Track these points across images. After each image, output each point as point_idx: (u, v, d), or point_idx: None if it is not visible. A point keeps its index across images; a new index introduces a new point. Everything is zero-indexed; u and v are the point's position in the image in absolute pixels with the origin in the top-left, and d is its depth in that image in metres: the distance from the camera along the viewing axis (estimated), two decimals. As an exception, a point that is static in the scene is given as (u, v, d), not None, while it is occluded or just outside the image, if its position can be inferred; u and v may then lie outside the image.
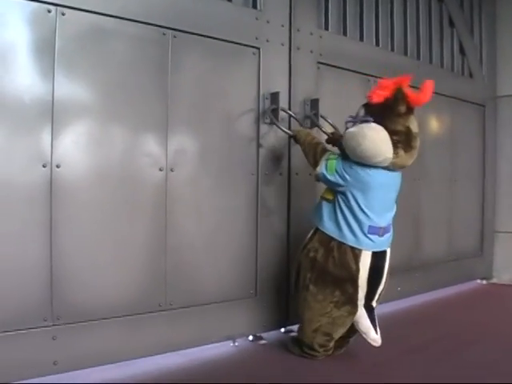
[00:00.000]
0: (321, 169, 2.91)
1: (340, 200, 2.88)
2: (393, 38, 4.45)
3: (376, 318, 3.01)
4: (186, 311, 3.03)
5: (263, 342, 3.38)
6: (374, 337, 2.96)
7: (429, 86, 2.84)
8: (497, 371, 2.96)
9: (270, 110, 3.31)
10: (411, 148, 2.81)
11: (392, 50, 4.44)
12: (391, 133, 2.74)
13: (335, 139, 3.18)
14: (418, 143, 2.86)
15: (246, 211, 3.29)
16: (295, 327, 3.53)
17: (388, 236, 2.98)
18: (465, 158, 5.26)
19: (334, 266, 2.88)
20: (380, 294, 3.03)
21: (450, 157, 5.05)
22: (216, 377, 2.79)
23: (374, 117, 2.78)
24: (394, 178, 2.95)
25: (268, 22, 3.41)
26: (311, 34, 3.68)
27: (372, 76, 4.08)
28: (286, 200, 3.49)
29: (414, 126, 2.83)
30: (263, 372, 2.89)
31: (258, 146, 3.31)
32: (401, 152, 2.77)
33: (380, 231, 2.90)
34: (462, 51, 5.31)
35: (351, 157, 2.83)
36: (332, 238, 2.91)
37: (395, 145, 2.74)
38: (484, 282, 5.61)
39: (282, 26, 3.51)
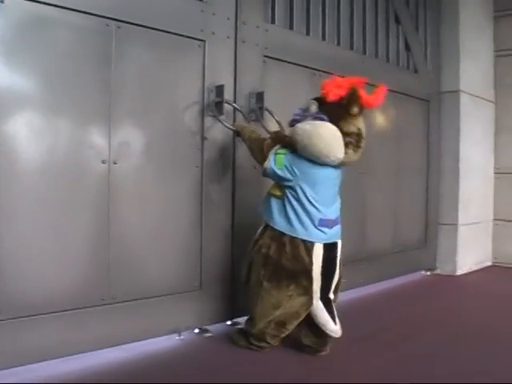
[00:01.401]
0: (269, 163, 2.91)
1: (289, 195, 2.90)
2: (339, 33, 4.49)
3: (334, 309, 3.04)
4: (130, 305, 2.99)
5: (209, 334, 3.38)
6: (333, 328, 2.98)
7: (382, 89, 2.94)
8: (436, 362, 3.05)
9: (214, 102, 3.30)
10: (359, 148, 2.91)
11: (338, 44, 4.48)
12: (345, 134, 2.82)
13: (279, 139, 3.10)
14: (364, 143, 2.95)
15: (190, 203, 3.28)
16: (241, 319, 3.55)
17: (338, 228, 3.03)
18: (409, 151, 5.36)
19: (287, 260, 2.90)
20: (336, 286, 3.07)
21: (395, 150, 5.14)
22: (161, 370, 2.78)
23: (326, 115, 2.83)
24: (337, 171, 3.01)
25: (214, 14, 3.39)
26: (257, 27, 3.68)
27: (318, 70, 4.12)
28: (230, 192, 3.49)
29: (363, 126, 2.92)
30: (209, 365, 2.90)
31: (203, 138, 3.29)
32: (350, 151, 2.87)
33: (330, 223, 2.94)
34: (407, 47, 5.40)
35: (301, 152, 2.85)
36: (283, 234, 2.92)
37: (346, 145, 2.83)
38: (428, 273, 5.75)
39: (228, 18, 3.49)
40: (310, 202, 2.87)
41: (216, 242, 3.42)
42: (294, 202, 2.89)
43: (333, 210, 2.98)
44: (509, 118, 6.37)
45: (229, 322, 3.56)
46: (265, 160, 2.94)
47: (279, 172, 2.89)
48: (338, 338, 3.01)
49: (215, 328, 3.46)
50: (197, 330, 3.39)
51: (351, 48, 4.63)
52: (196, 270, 3.32)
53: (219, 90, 3.32)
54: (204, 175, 3.31)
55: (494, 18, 6.47)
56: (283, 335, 3.04)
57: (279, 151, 2.92)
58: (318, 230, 2.90)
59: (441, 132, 5.79)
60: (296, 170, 2.85)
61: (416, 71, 5.51)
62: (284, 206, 2.92)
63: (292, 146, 2.90)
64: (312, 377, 2.76)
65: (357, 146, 2.89)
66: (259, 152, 3.01)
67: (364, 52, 4.78)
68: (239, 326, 3.36)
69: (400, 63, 5.32)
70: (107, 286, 2.90)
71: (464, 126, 5.76)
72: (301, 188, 2.86)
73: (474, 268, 6.03)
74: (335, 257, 3.01)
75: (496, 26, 6.47)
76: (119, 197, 2.94)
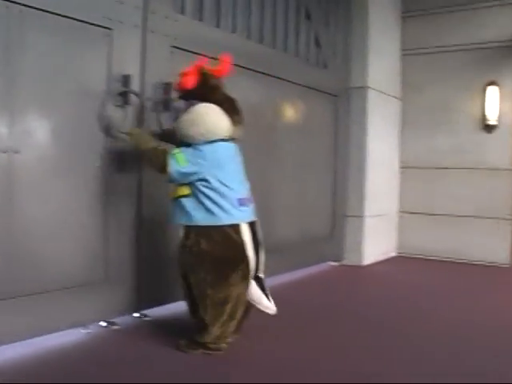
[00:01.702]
0: (172, 167, 2.88)
1: (201, 187, 2.89)
2: (249, 26, 4.52)
3: (266, 286, 3.11)
4: (32, 299, 2.90)
5: (116, 327, 3.34)
6: (267, 304, 3.07)
7: (225, 58, 3.11)
8: (342, 348, 3.14)
9: (117, 93, 3.25)
10: (238, 112, 3.05)
11: (248, 37, 4.51)
12: (217, 103, 2.94)
13: (168, 135, 3.17)
14: (240, 107, 3.10)
15: (94, 195, 3.21)
16: (149, 311, 3.54)
17: (252, 206, 3.09)
18: (318, 145, 5.48)
19: (221, 250, 2.88)
20: (263, 264, 3.12)
21: (303, 144, 5.23)
22: (63, 365, 2.73)
23: (196, 99, 2.94)
24: (234, 148, 3.07)
25: (122, 2, 3.33)
26: (166, 17, 3.65)
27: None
28: (136, 183, 3.45)
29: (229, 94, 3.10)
30: (115, 357, 2.87)
31: (108, 128, 3.23)
32: (235, 118, 3.01)
33: (246, 202, 3.00)
34: (317, 43, 5.51)
35: (196, 141, 2.89)
36: (208, 226, 2.90)
37: (227, 112, 2.95)
38: (335, 263, 5.91)
39: (137, 7, 3.44)
40: (224, 184, 2.89)
41: (121, 234, 3.37)
42: (209, 192, 2.88)
43: (245, 188, 3.04)
44: (414, 114, 6.64)
45: (136, 314, 3.53)
46: (165, 167, 2.90)
47: (185, 169, 2.87)
48: (242, 330, 3.06)
49: (123, 320, 3.42)
50: (104, 323, 3.34)
51: (261, 42, 4.66)
52: (101, 262, 3.26)
53: (126, 79, 3.28)
54: (109, 166, 3.26)
55: (402, 18, 6.73)
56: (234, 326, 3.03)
57: (175, 151, 2.92)
58: (239, 210, 2.93)
59: (348, 127, 5.96)
60: (199, 160, 2.86)
61: (325, 67, 5.63)
62: (198, 200, 2.90)
63: (182, 140, 2.94)
64: (217, 368, 2.79)
65: (235, 112, 3.03)
66: (157, 159, 2.96)
67: (274, 46, 4.83)
68: (183, 341, 3.07)
69: (309, 58, 5.42)
70: (8, 281, 2.80)
71: (371, 121, 5.95)
72: (211, 175, 2.87)
73: (380, 258, 6.26)
74: (258, 234, 3.06)
75: (404, 25, 6.72)
76: (20, 188, 2.83)
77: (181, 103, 3.03)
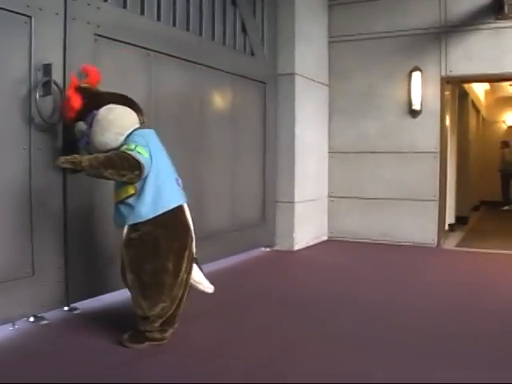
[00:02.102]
0: (143, 160, 2.77)
1: (152, 176, 2.82)
2: (175, 13, 4.47)
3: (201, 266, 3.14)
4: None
5: (45, 322, 3.28)
6: (209, 284, 3.14)
7: (91, 69, 3.19)
8: (269, 335, 3.19)
9: (41, 82, 3.16)
10: (134, 102, 3.09)
11: (174, 25, 4.45)
12: (114, 101, 2.99)
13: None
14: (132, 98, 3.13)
15: (17, 187, 3.12)
16: (79, 304, 3.49)
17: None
18: (247, 132, 5.51)
19: (175, 233, 2.86)
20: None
21: (232, 131, 5.24)
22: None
23: (89, 114, 2.96)
24: (154, 133, 3.04)
25: (41, -11, 3.24)
26: (88, 4, 3.56)
27: (152, 50, 4.08)
28: (61, 173, 3.36)
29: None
30: (45, 352, 2.82)
31: (31, 118, 3.15)
32: (135, 107, 3.05)
33: (179, 182, 3.00)
34: (244, 30, 5.51)
35: (117, 142, 2.90)
36: (159, 215, 2.82)
37: (126, 104, 3.02)
38: (267, 249, 5.98)
39: (57, -7, 3.36)
40: (165, 168, 2.91)
41: (47, 228, 3.29)
42: (156, 179, 2.84)
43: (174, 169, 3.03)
44: (341, 100, 6.76)
45: (66, 308, 3.47)
46: (137, 164, 2.75)
47: (149, 157, 2.83)
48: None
49: (52, 315, 3.36)
50: (32, 318, 3.26)
51: (187, 29, 4.63)
52: (27, 256, 3.18)
53: (47, 68, 3.18)
54: (32, 157, 3.16)
55: (329, 5, 6.81)
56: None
57: (130, 147, 2.80)
58: (179, 190, 2.95)
59: (277, 113, 6.01)
60: (145, 144, 2.85)
61: (253, 54, 5.65)
62: (144, 193, 2.81)
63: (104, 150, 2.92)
64: (145, 355, 2.78)
65: (132, 102, 3.07)
66: (126, 162, 2.75)
67: (200, 33, 4.80)
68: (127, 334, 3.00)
69: (237, 46, 5.42)
70: None
71: (299, 107, 6.02)
72: (155, 161, 2.84)
73: (311, 243, 6.37)
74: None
75: (330, 13, 6.81)
76: None
77: (82, 125, 2.98)
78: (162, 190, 2.85)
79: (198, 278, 3.09)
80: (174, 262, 2.84)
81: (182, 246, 2.89)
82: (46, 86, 3.18)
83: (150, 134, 2.97)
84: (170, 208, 2.85)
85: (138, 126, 2.99)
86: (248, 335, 3.15)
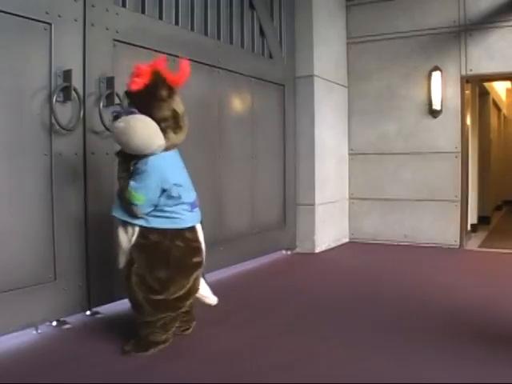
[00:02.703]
0: (137, 209, 2.76)
1: (161, 201, 2.80)
2: (193, 18, 4.48)
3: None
4: (-23, 301, 2.85)
5: (67, 326, 3.30)
6: (214, 297, 3.17)
7: (185, 65, 2.88)
8: (290, 336, 3.17)
9: (60, 88, 3.18)
10: (180, 128, 2.89)
11: (192, 29, 4.47)
12: (159, 121, 2.76)
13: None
14: (186, 121, 2.95)
15: (39, 193, 3.15)
16: (100, 308, 3.51)
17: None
18: (266, 135, 5.50)
19: (183, 251, 2.84)
20: None
21: (251, 134, 5.24)
22: (17, 366, 2.68)
23: (137, 106, 2.76)
24: (175, 155, 2.97)
25: (60, -4, 3.27)
26: (107, 10, 3.59)
27: (171, 55, 4.07)
28: (82, 180, 3.40)
29: (179, 107, 2.89)
30: (68, 356, 2.83)
31: (51, 124, 3.18)
32: (171, 135, 2.82)
33: (196, 204, 2.98)
34: (262, 33, 5.51)
35: (127, 151, 2.79)
36: (168, 229, 2.81)
37: (164, 130, 2.78)
38: (288, 252, 5.96)
39: (76, 0, 3.37)
40: (177, 191, 2.81)
41: (69, 233, 3.32)
42: (165, 200, 2.80)
43: (193, 192, 2.99)
44: (360, 101, 6.73)
45: (88, 312, 3.50)
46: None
47: (146, 203, 2.75)
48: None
49: (74, 319, 3.38)
50: (55, 323, 3.29)
51: (205, 33, 4.64)
52: (49, 261, 3.21)
53: (67, 74, 3.21)
54: (54, 164, 3.19)
55: (346, 6, 6.79)
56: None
57: (131, 189, 2.75)
58: (192, 212, 2.91)
59: (296, 115, 6.00)
60: (148, 181, 2.74)
61: (271, 57, 5.65)
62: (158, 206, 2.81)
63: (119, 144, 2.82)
64: (178, 357, 2.79)
65: (177, 127, 2.85)
66: (126, 202, 2.80)
67: (218, 37, 4.81)
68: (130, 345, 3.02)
69: (255, 49, 5.43)
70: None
71: (318, 109, 6.00)
72: (164, 185, 2.77)
73: (333, 245, 6.34)
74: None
75: (348, 14, 6.79)
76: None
77: (121, 107, 2.93)
78: (174, 212, 2.83)
79: (205, 292, 3.12)
80: (184, 276, 2.86)
81: (190, 263, 2.89)
82: (66, 91, 3.21)
83: (165, 159, 2.82)
84: (179, 228, 2.84)
85: (159, 150, 2.80)
86: (269, 338, 3.13)
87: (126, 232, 2.85)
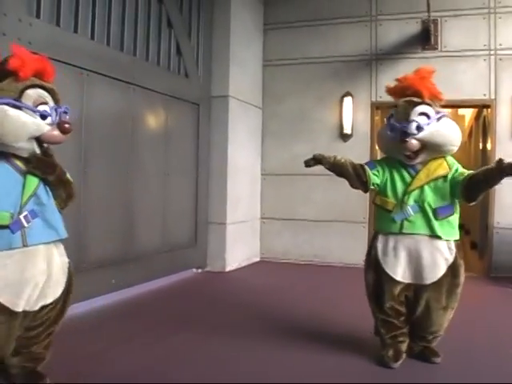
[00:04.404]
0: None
1: None
2: (109, 33, 4.46)
3: None
4: None
5: None
6: None
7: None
8: (192, 359, 3.20)
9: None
10: None
11: (108, 44, 4.45)
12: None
13: None
14: None
15: None
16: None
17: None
18: (179, 153, 5.51)
19: None
20: None
21: (164, 152, 5.24)
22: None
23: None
24: None
25: (-30, 3, 3.19)
26: (20, 20, 3.53)
27: (85, 69, 4.06)
28: None
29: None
30: None
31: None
32: None
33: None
34: (178, 52, 5.55)
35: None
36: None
37: None
38: (199, 270, 5.96)
39: (-13, 8, 3.31)
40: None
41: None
42: None
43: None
44: (274, 123, 6.87)
45: None
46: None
47: None
48: (101, 341, 3.01)
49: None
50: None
51: (121, 49, 4.63)
52: None
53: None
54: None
55: (264, 30, 6.94)
56: None
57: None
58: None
59: (210, 135, 6.05)
60: None
61: (187, 75, 5.68)
62: None
63: None
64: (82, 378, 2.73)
65: None
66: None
67: (134, 54, 4.81)
68: None
69: (171, 67, 5.45)
70: None
71: (232, 129, 6.08)
72: None
73: (243, 264, 6.39)
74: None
75: (265, 37, 6.95)
76: None
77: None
78: None
79: None
80: None
81: None
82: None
83: None
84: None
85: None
86: (169, 360, 3.11)
87: None
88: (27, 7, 3.64)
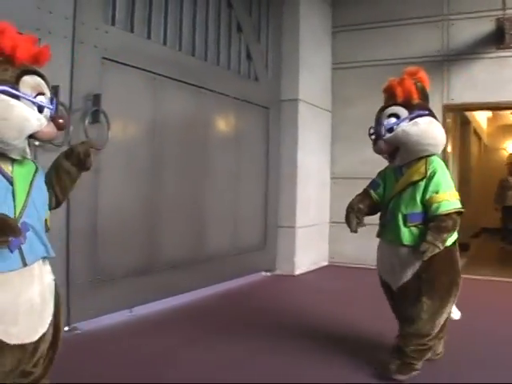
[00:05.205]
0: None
1: None
2: (181, 38, 4.54)
3: None
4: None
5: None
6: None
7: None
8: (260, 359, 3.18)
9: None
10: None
11: (180, 49, 4.53)
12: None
13: None
14: None
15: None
16: (79, 324, 3.49)
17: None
18: (249, 156, 5.54)
19: None
20: None
21: (234, 155, 5.28)
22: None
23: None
24: None
25: (51, 12, 3.30)
26: (96, 28, 3.63)
27: (158, 74, 4.15)
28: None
29: None
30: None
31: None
32: None
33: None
34: (248, 56, 5.59)
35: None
36: None
37: None
38: (268, 273, 5.97)
39: (66, 18, 3.42)
40: None
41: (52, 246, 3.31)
42: None
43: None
44: (344, 127, 6.80)
45: (66, 328, 3.47)
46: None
47: None
48: (171, 339, 3.05)
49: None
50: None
51: (193, 54, 4.69)
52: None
53: (54, 91, 3.22)
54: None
55: (332, 33, 6.90)
56: None
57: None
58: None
59: (280, 139, 6.05)
60: None
61: (257, 79, 5.72)
62: None
63: None
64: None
65: None
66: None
67: (205, 59, 4.87)
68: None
69: (241, 71, 5.49)
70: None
71: (302, 133, 6.07)
72: None
73: (312, 268, 6.36)
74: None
75: (334, 40, 6.90)
76: None
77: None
78: None
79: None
80: None
81: None
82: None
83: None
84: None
85: None
86: (235, 363, 3.09)
87: None
88: (103, 15, 3.74)
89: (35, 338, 1.94)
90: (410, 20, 6.49)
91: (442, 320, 2.82)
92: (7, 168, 1.91)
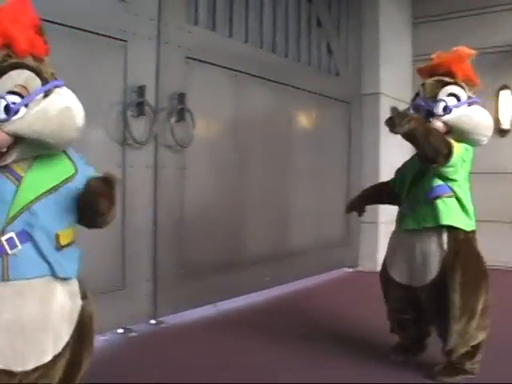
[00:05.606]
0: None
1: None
2: (262, 35, 4.58)
3: None
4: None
5: (133, 334, 3.38)
6: None
7: None
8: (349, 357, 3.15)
9: (135, 103, 3.31)
10: None
11: (261, 47, 4.56)
12: None
13: None
14: None
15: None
16: (165, 318, 3.58)
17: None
18: (331, 152, 5.51)
19: None
20: None
21: (316, 151, 5.26)
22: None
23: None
24: None
25: (136, 14, 3.39)
26: (180, 28, 3.71)
27: (240, 72, 4.19)
28: (152, 192, 3.50)
29: None
30: (133, 363, 2.90)
31: (124, 138, 3.29)
32: None
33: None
34: (329, 51, 5.56)
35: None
36: None
37: None
38: (350, 269, 5.92)
39: (151, 19, 3.50)
40: None
41: (138, 242, 3.42)
42: None
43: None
44: (427, 120, 6.62)
45: (153, 321, 3.58)
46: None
47: None
48: (261, 336, 3.06)
49: (139, 327, 3.46)
50: (121, 330, 3.38)
51: (273, 51, 4.72)
52: (118, 270, 3.31)
53: (141, 90, 3.33)
54: (125, 175, 3.30)
55: (413, 24, 6.74)
56: None
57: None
58: None
59: (362, 133, 5.98)
60: None
61: (337, 74, 5.67)
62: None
63: None
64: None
65: None
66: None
67: (286, 55, 4.89)
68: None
69: (322, 66, 5.47)
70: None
71: (384, 127, 5.90)
72: None
73: (394, 264, 6.23)
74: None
75: (414, 31, 6.74)
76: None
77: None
78: None
79: None
80: None
81: None
82: (139, 106, 3.32)
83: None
84: None
85: None
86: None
87: None
88: (186, 15, 3.81)
89: (28, 367, 1.63)
90: (494, 7, 6.23)
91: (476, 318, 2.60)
92: (20, 167, 1.67)
